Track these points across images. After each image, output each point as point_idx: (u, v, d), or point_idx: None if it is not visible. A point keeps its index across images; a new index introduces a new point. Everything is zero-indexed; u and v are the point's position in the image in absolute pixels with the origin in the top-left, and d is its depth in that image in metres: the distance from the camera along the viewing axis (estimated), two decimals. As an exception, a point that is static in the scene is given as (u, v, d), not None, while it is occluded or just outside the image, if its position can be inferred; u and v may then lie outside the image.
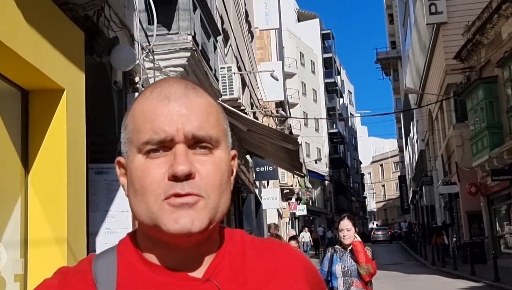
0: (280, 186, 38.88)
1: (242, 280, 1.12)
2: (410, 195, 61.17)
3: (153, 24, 8.74)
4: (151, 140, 1.08)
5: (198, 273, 1.12)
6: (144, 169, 1.09)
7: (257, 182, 27.58)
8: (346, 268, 6.39)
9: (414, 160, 54.57)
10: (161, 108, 1.10)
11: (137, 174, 1.10)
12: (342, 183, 76.38)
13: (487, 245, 26.77)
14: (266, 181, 31.70)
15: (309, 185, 28.39)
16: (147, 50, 9.18)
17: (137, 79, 9.08)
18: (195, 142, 1.09)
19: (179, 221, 1.06)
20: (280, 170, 31.56)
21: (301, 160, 17.76)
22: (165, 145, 1.08)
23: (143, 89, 1.15)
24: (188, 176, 1.06)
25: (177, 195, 1.07)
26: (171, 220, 1.06)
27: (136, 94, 9.00)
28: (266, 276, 1.15)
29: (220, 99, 13.96)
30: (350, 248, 6.52)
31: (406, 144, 63.44)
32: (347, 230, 6.45)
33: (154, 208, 1.07)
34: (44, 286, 1.12)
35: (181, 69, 9.94)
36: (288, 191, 43.21)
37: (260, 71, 25.66)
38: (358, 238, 6.52)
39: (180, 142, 1.08)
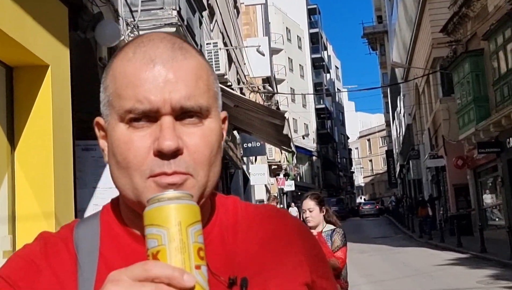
0: (268, 162, 38.95)
1: (232, 252, 1.06)
2: (398, 169, 61.60)
3: (138, -1, 8.70)
4: (134, 109, 0.98)
5: None
6: (128, 142, 1.00)
7: (244, 158, 27.63)
8: None
9: (401, 134, 54.84)
10: (146, 73, 0.99)
11: (120, 146, 1.01)
12: (329, 159, 76.62)
13: (473, 217, 27.03)
14: (253, 157, 31.72)
15: (293, 150, 28.28)
16: (132, 26, 9.13)
17: (122, 55, 9.04)
18: (183, 113, 0.99)
19: None
20: (267, 146, 31.61)
21: (286, 133, 17.76)
22: (150, 116, 0.99)
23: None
24: (175, 152, 0.97)
25: (164, 174, 0.98)
26: None
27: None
28: (258, 246, 1.08)
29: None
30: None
31: (393, 118, 63.70)
32: (309, 210, 5.58)
33: (139, 185, 0.99)
34: (25, 251, 1.07)
35: (166, 44, 9.90)
36: (276, 167, 43.32)
37: (246, 47, 25.58)
38: (321, 224, 5.55)
39: (166, 114, 0.98)
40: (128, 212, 1.07)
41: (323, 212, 5.61)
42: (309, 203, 5.64)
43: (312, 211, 5.58)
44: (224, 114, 1.11)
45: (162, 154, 0.97)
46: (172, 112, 0.98)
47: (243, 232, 1.10)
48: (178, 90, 0.99)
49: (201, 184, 1.00)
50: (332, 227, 5.60)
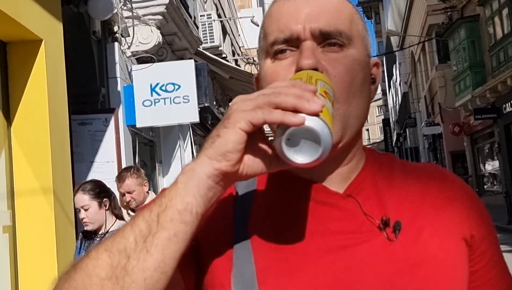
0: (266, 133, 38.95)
1: (386, 198, 1.03)
2: (394, 138, 61.63)
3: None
4: (276, 39, 1.00)
5: (339, 189, 1.03)
6: (273, 73, 1.01)
7: (241, 130, 27.62)
8: None
9: (397, 103, 54.81)
10: (288, 7, 1.01)
11: (267, 80, 1.01)
12: (326, 129, 76.63)
13: (470, 183, 27.12)
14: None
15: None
16: (125, -2, 9.07)
17: (116, 28, 9.00)
18: (324, 39, 0.99)
19: None
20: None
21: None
22: (292, 44, 0.99)
23: (120, 36, 1.01)
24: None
25: None
26: None
27: (116, 44, 8.95)
28: (415, 196, 1.05)
29: (200, 47, 13.88)
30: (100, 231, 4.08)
31: (389, 87, 63.61)
32: (83, 209, 4.09)
33: None
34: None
35: (160, 17, 9.85)
36: (272, 138, 43.34)
37: (241, 18, 25.41)
38: (103, 225, 4.11)
39: (307, 39, 0.98)
40: None
41: (105, 206, 4.09)
42: (82, 199, 4.08)
43: (88, 209, 4.04)
44: (375, 61, 1.10)
45: None
46: (312, 38, 0.99)
47: (399, 182, 1.07)
48: (318, 19, 0.99)
49: (341, 111, 0.96)
50: (124, 223, 3.97)
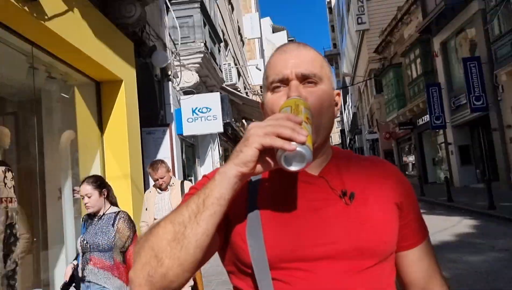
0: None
1: (345, 178, 1.02)
2: (348, 141, 61.53)
3: (178, 36, 8.60)
4: (274, 80, 1.01)
5: (315, 173, 1.03)
6: (273, 102, 1.01)
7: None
8: (85, 242, 3.35)
9: (349, 119, 54.71)
10: (280, 58, 1.03)
11: (268, 106, 1.02)
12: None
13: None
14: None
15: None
16: (175, 53, 9.05)
17: (169, 72, 8.98)
18: (304, 79, 1.00)
19: None
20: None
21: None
22: (284, 82, 1.00)
23: (172, 77, 0.96)
24: None
25: None
26: None
27: (170, 82, 8.91)
28: (365, 176, 1.04)
29: (224, 84, 13.83)
30: (100, 214, 3.40)
31: (344, 109, 63.55)
32: (87, 196, 3.39)
33: None
34: (210, 173, 1.06)
35: (197, 65, 9.82)
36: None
37: (249, 65, 25.37)
38: (102, 208, 3.43)
39: (293, 79, 1.00)
40: None
41: (104, 195, 3.46)
42: (86, 188, 3.45)
43: (91, 197, 3.44)
44: (337, 91, 1.09)
45: None
46: (296, 78, 1.00)
47: (354, 167, 1.06)
48: (300, 66, 1.01)
49: (316, 124, 0.97)
50: (116, 209, 3.51)
